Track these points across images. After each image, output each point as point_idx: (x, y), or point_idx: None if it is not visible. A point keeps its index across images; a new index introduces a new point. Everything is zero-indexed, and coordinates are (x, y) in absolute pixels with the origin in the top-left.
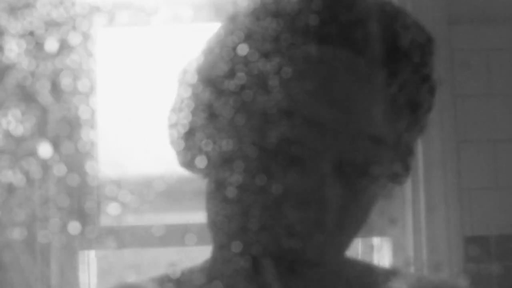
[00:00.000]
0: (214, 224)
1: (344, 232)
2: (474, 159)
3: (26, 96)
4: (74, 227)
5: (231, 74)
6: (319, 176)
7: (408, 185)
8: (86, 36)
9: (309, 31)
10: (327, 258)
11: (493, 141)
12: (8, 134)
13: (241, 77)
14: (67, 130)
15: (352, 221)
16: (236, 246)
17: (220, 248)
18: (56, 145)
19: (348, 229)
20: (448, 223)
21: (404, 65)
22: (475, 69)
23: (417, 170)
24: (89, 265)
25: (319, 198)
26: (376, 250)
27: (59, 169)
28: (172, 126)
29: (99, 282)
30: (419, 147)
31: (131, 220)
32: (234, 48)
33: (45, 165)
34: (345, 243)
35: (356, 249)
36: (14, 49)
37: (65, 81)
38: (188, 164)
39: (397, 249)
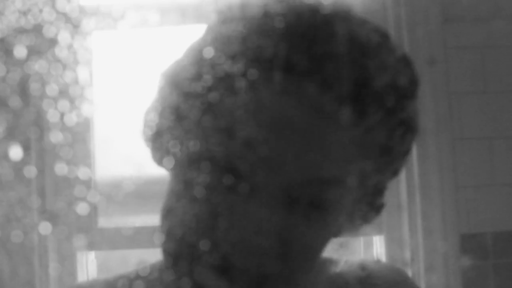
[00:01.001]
0: (182, 223)
1: (294, 260)
2: (470, 157)
3: None
4: (44, 227)
5: (197, 76)
6: (272, 207)
7: (403, 183)
8: (53, 42)
9: (277, 58)
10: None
11: (488, 138)
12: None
13: (207, 79)
14: (37, 133)
15: (304, 253)
16: (204, 245)
17: (188, 246)
18: (26, 147)
19: (299, 257)
20: (444, 220)
21: (374, 107)
22: (470, 67)
23: (413, 167)
24: (88, 266)
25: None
26: (372, 248)
27: (29, 171)
28: (144, 127)
29: None
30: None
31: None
32: (201, 51)
33: (16, 167)
34: (300, 268)
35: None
36: None
37: (34, 86)
38: (158, 163)
39: (393, 247)
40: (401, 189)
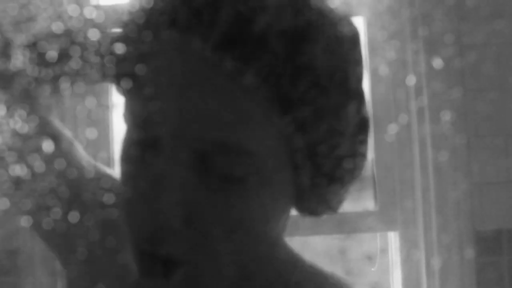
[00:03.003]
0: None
1: (203, 234)
2: (485, 153)
3: (31, 99)
4: (73, 216)
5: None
6: (176, 164)
7: (418, 180)
8: (82, 46)
9: (162, 17)
10: (200, 260)
11: (504, 135)
12: (15, 133)
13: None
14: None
15: (216, 224)
16: (110, 242)
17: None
18: (58, 142)
19: (210, 231)
20: (458, 217)
21: (258, 51)
22: (487, 64)
23: (428, 165)
24: None
25: (173, 187)
26: (386, 244)
27: (59, 163)
28: None
29: None
30: (429, 143)
31: None
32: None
33: (48, 160)
34: (219, 244)
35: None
36: (20, 58)
37: (64, 86)
38: None
39: (407, 244)
40: (415, 185)
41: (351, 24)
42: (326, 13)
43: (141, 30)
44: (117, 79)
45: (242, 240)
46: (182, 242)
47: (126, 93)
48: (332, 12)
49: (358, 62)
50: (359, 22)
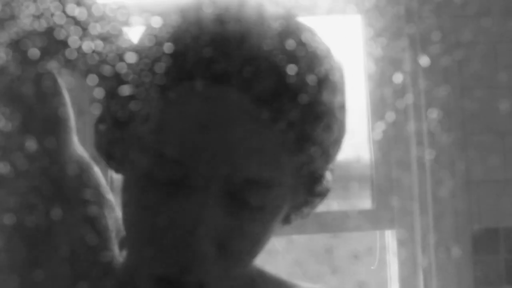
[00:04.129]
0: (130, 229)
1: (231, 259)
2: (482, 152)
3: (14, 97)
4: (56, 213)
5: (127, 81)
6: (202, 206)
7: (415, 178)
8: (64, 44)
9: (196, 67)
10: (218, 282)
11: (501, 133)
12: None
13: (134, 86)
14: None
15: (243, 250)
16: (147, 251)
17: (136, 253)
18: (40, 140)
19: (237, 256)
20: (456, 216)
21: (291, 104)
22: (482, 62)
23: (425, 163)
24: None
25: (200, 228)
26: (383, 243)
27: (43, 162)
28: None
29: None
30: (426, 141)
31: None
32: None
33: (31, 158)
34: (234, 267)
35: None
36: (2, 56)
37: (46, 84)
38: (116, 171)
39: (404, 242)
40: (412, 184)
41: (341, 69)
42: (334, 67)
43: (173, 74)
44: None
45: (252, 260)
46: (214, 270)
47: (143, 133)
48: (335, 62)
49: (345, 99)
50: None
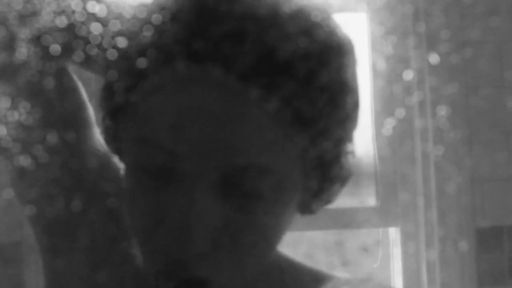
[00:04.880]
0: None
1: (235, 252)
2: (486, 150)
3: (34, 92)
4: (76, 205)
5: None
6: (203, 190)
7: (419, 177)
8: (85, 40)
9: (174, 47)
10: (225, 277)
11: (505, 132)
12: (19, 124)
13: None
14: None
15: (246, 242)
16: (112, 231)
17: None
18: (60, 134)
19: (241, 249)
20: (460, 214)
21: (283, 78)
22: (490, 60)
23: (429, 161)
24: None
25: (195, 219)
26: (388, 241)
27: (63, 155)
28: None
29: None
30: (433, 138)
31: None
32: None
33: (51, 151)
34: (242, 261)
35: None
36: (24, 52)
37: (64, 79)
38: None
39: (408, 240)
40: (417, 182)
41: (350, 41)
42: (333, 34)
43: (152, 58)
44: (118, 110)
45: (264, 252)
46: (212, 263)
47: (132, 124)
48: (337, 29)
49: (357, 73)
50: (360, 18)
